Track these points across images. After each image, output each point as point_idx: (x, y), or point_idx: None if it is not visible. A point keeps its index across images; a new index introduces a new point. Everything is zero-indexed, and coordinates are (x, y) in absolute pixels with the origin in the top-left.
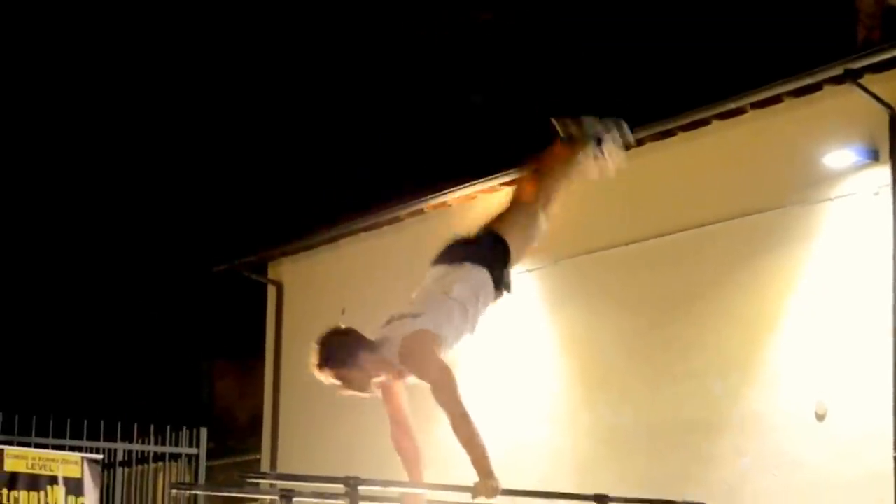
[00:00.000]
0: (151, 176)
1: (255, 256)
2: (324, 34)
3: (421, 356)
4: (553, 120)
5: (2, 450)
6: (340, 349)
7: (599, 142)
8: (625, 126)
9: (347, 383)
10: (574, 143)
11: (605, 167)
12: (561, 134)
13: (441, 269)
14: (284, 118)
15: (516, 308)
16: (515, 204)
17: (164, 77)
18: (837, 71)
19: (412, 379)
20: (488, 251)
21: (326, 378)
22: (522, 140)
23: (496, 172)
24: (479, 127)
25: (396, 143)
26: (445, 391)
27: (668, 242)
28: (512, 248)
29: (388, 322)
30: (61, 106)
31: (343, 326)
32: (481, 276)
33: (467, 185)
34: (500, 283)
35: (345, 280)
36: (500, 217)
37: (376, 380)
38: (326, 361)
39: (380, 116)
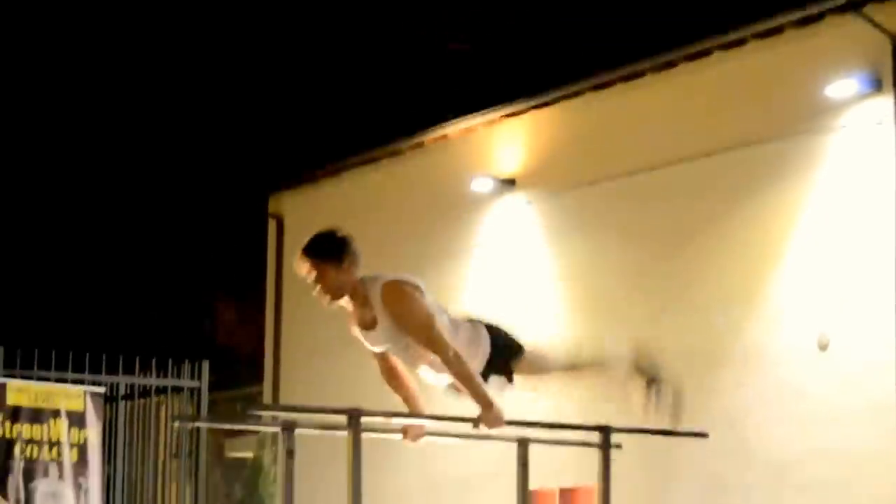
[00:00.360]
0: (152, 112)
1: (256, 190)
2: None
3: (407, 301)
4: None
5: (4, 384)
6: (332, 245)
7: (652, 384)
8: (672, 398)
9: (321, 279)
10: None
11: (642, 404)
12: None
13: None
14: (282, 54)
15: (517, 240)
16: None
17: (165, 16)
18: (840, 0)
19: (423, 371)
20: (505, 341)
21: (304, 267)
22: (520, 72)
23: (495, 105)
24: (478, 60)
25: (397, 76)
26: (433, 334)
27: (669, 174)
28: (518, 366)
29: None
30: (64, 43)
31: (345, 232)
32: (485, 343)
33: (466, 117)
34: (491, 367)
35: (345, 213)
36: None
37: (341, 303)
38: (313, 249)
39: (380, 51)
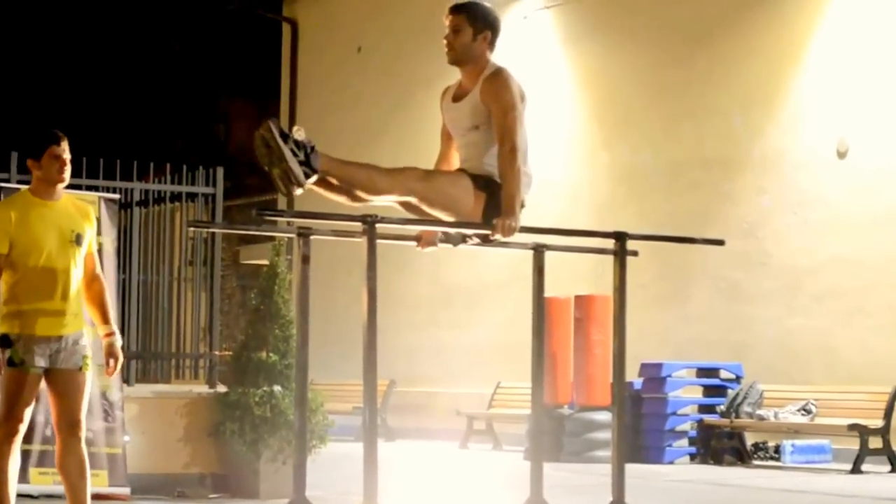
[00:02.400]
0: None
1: None
2: None
3: (505, 84)
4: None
5: (19, 189)
6: (486, 14)
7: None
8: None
9: (457, 34)
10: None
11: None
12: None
13: None
14: None
15: (534, 46)
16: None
17: None
18: None
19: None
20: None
21: (450, 19)
22: None
23: None
24: None
25: None
26: (511, 121)
27: None
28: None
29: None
30: None
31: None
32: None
33: None
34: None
35: (360, 18)
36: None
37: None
38: (467, 8)
39: None
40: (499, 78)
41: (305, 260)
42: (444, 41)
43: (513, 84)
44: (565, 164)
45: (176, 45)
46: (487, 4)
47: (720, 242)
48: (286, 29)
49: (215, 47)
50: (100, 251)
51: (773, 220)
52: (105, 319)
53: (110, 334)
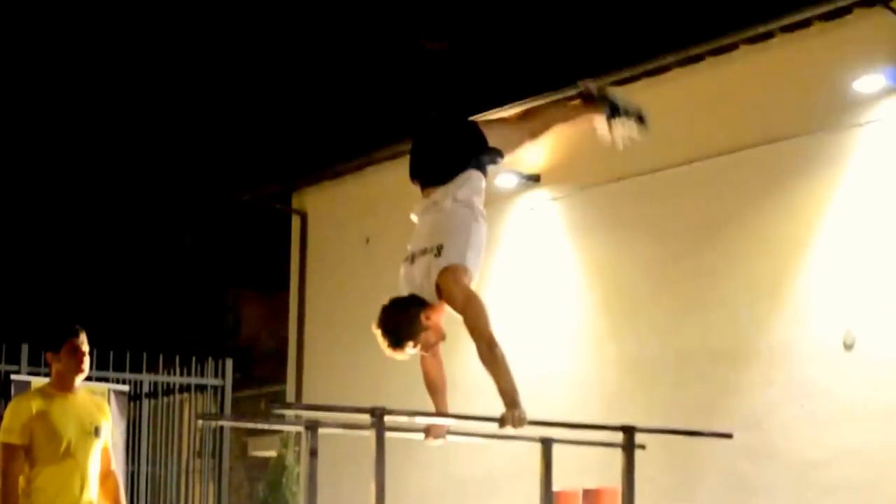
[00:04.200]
0: (174, 106)
1: (279, 186)
2: None
3: (455, 293)
4: (580, 81)
5: (28, 381)
6: (404, 324)
7: (615, 112)
8: (644, 115)
9: (427, 345)
10: (591, 102)
11: (611, 135)
12: (581, 89)
13: (436, 189)
14: (304, 50)
15: (541, 237)
16: (512, 121)
17: (183, 9)
18: None
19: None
20: (461, 145)
21: (407, 354)
22: (540, 66)
23: (518, 100)
24: (490, 58)
25: (419, 67)
26: (476, 320)
27: (695, 170)
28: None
29: (412, 259)
30: (79, 31)
31: (388, 301)
32: (472, 175)
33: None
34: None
35: (369, 209)
36: (490, 122)
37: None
38: (401, 342)
39: (402, 45)
40: (444, 289)
41: (314, 453)
42: (424, 355)
43: (452, 286)
44: (573, 355)
45: (186, 236)
46: (387, 317)
47: (728, 436)
48: (295, 221)
49: (225, 239)
50: None
51: (781, 412)
52: None
53: None
